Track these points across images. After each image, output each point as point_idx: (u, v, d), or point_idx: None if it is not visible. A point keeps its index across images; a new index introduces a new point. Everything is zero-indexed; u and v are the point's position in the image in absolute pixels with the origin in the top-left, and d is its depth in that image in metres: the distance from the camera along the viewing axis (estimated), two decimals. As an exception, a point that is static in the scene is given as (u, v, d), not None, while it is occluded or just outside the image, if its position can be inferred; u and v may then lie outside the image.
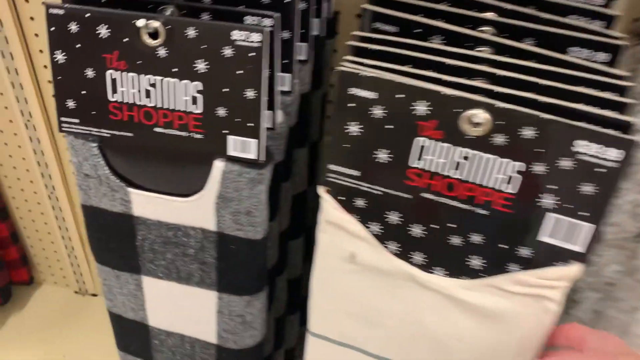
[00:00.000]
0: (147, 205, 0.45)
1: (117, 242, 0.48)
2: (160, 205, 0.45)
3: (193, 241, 0.46)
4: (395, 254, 0.42)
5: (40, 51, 0.73)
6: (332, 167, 0.40)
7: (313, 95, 0.54)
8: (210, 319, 0.50)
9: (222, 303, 0.49)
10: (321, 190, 0.42)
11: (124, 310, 0.53)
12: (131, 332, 0.55)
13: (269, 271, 0.51)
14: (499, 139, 0.36)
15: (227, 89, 0.39)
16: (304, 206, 0.66)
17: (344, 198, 0.41)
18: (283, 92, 0.44)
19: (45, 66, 0.74)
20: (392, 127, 0.37)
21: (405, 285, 0.43)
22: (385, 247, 0.42)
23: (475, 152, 0.37)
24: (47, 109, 0.79)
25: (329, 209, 0.42)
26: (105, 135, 0.43)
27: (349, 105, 0.38)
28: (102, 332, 0.98)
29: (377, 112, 0.37)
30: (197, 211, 0.44)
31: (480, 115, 0.35)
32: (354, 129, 0.38)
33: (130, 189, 0.45)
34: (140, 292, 0.51)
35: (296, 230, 0.64)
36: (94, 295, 1.05)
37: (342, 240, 0.43)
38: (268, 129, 0.41)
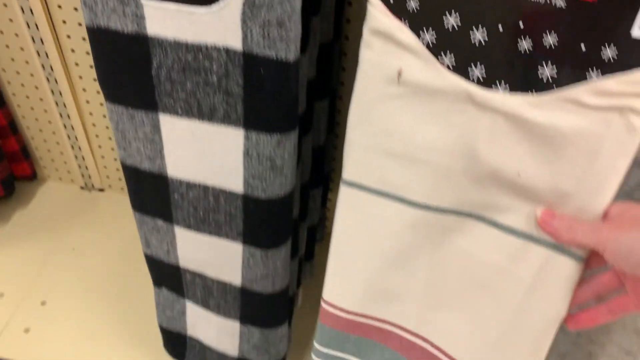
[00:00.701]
0: (163, 20, 0.39)
1: (129, 72, 0.43)
2: (178, 19, 0.39)
3: (216, 65, 0.40)
4: (451, 69, 0.37)
5: None
6: (383, -45, 0.34)
7: None
8: (236, 163, 0.45)
9: (249, 143, 0.44)
10: (367, -10, 0.36)
11: (139, 160, 0.48)
12: (147, 187, 0.50)
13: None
14: None
15: None
16: (330, 64, 0.60)
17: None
18: None
19: None
20: None
21: (459, 107, 0.38)
22: (439, 61, 0.37)
23: None
24: (39, -27, 0.72)
25: (377, 14, 0.36)
26: None
27: None
28: (112, 226, 0.95)
29: None
30: (221, 23, 0.38)
31: None
32: None
33: (143, 0, 0.39)
34: (158, 134, 0.46)
35: (322, 88, 0.59)
36: (101, 190, 1.01)
37: (388, 56, 0.38)
38: None
